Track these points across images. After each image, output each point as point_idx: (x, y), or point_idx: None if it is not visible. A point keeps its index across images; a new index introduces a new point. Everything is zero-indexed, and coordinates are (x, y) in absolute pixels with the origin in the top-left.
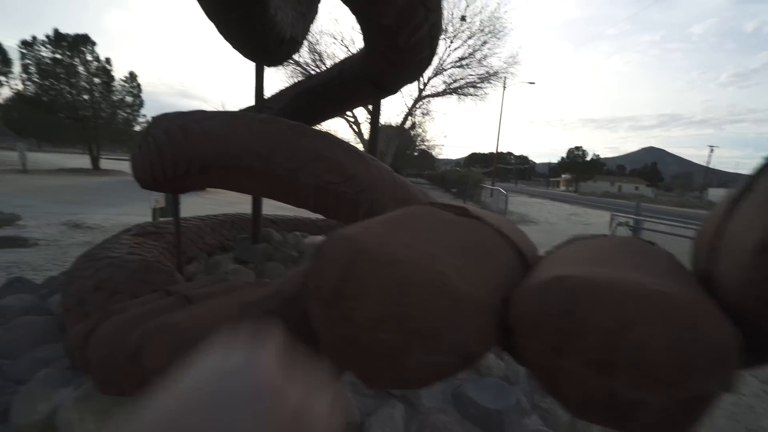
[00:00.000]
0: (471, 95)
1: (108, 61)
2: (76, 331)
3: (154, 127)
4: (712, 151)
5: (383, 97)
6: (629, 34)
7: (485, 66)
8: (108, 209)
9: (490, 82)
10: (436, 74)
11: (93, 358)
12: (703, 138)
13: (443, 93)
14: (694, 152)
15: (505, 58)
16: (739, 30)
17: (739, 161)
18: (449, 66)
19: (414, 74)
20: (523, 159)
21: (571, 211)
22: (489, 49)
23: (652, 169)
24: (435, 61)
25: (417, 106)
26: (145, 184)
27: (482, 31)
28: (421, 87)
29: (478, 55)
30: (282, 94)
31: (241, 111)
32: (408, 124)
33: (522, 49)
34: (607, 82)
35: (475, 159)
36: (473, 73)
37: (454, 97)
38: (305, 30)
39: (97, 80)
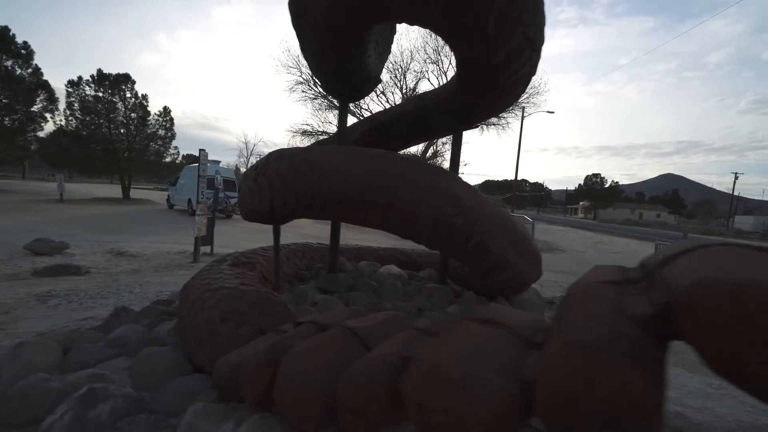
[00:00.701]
0: (494, 125)
1: (145, 97)
2: (245, 366)
3: (276, 161)
4: (737, 177)
5: (464, 130)
6: (643, 63)
7: None
8: (145, 237)
9: (512, 112)
10: None
11: (288, 394)
12: (724, 165)
13: None
14: (715, 179)
15: (527, 89)
16: (757, 58)
17: (766, 188)
18: None
19: (502, 108)
20: (539, 186)
21: (596, 239)
22: None
23: (674, 196)
24: None
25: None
26: (258, 217)
27: None
28: None
29: None
30: (354, 128)
31: (314, 144)
32: (429, 152)
33: (542, 80)
34: (621, 110)
35: (489, 186)
36: None
37: (476, 127)
38: (381, 68)
39: (133, 115)
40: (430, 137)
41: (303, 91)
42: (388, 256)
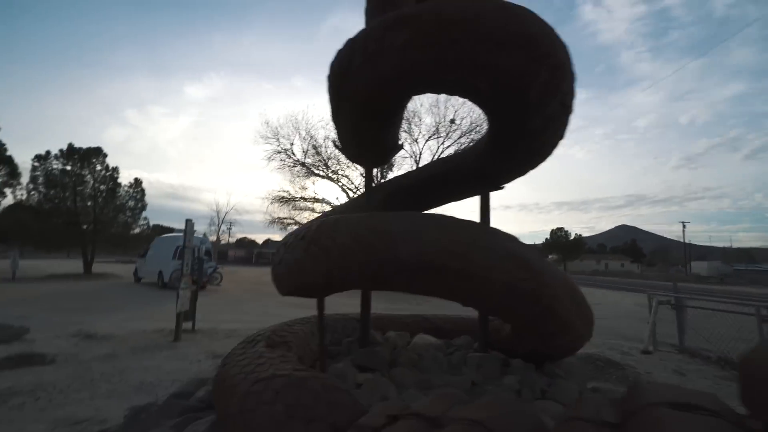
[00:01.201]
0: None
1: (115, 169)
2: None
3: (332, 230)
4: (684, 226)
5: (491, 191)
6: (584, 128)
7: None
8: (114, 315)
9: None
10: None
11: None
12: (670, 214)
13: None
14: (665, 228)
15: None
16: (676, 122)
17: (710, 234)
18: None
19: (529, 169)
20: None
21: None
22: None
23: (633, 246)
24: (428, 159)
25: None
26: (309, 289)
27: (471, 131)
28: None
29: None
30: (377, 191)
31: (331, 211)
32: None
33: None
34: (573, 168)
35: None
36: None
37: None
38: (400, 135)
39: (102, 187)
40: (453, 199)
41: (281, 160)
42: (412, 323)
